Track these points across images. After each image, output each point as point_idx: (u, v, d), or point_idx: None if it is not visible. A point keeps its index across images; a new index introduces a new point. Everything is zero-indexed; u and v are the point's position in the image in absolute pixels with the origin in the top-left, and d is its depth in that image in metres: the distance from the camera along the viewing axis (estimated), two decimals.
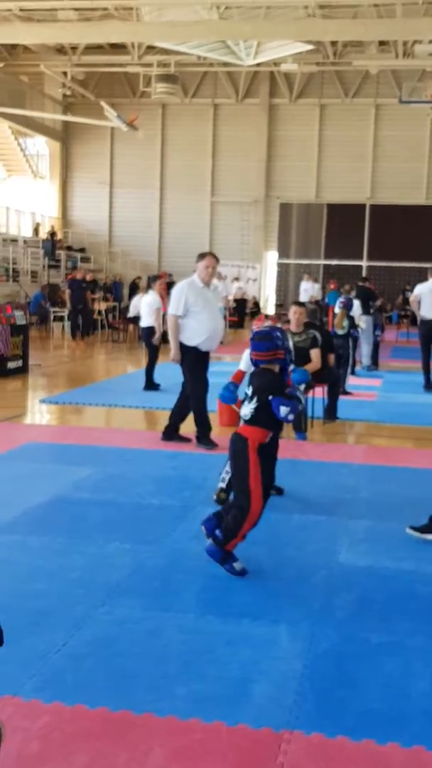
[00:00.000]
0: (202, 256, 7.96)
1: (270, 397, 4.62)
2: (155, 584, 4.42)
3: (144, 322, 11.64)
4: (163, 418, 9.92)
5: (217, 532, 4.60)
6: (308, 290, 24.72)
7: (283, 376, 4.96)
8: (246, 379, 5.27)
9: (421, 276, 13.56)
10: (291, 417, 4.62)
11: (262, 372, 4.81)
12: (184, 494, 6.20)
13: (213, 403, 9.37)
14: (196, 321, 7.77)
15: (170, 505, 5.94)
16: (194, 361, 7.83)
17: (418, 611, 4.21)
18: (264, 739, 2.99)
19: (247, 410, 4.73)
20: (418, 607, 4.28)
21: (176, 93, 28.37)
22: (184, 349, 7.80)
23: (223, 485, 5.86)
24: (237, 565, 4.61)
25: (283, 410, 4.57)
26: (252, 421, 4.70)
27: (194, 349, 7.80)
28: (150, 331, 11.45)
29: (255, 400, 4.68)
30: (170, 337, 7.85)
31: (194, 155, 32.04)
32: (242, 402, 4.89)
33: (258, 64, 27.68)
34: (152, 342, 11.39)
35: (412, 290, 29.61)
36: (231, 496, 5.12)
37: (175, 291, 7.91)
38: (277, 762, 2.86)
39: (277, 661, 3.59)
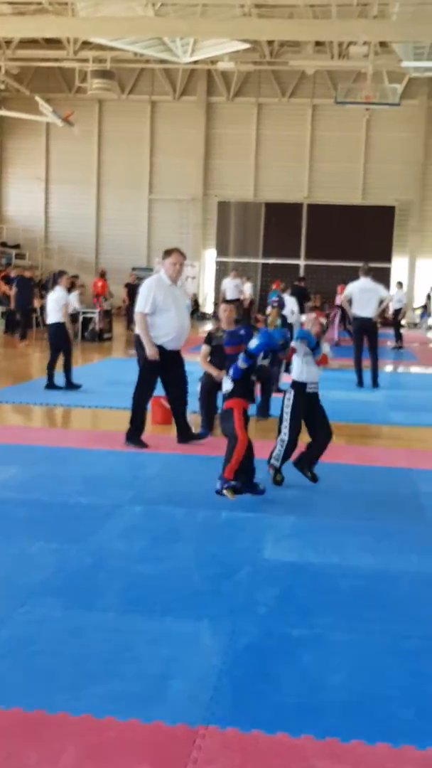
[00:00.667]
0: (168, 252, 7.94)
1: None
2: (78, 583, 4.40)
3: (50, 319, 11.38)
4: (95, 417, 9.90)
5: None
6: (238, 286, 24.72)
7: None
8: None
9: (356, 275, 13.69)
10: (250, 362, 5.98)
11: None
12: (112, 493, 6.17)
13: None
14: (164, 319, 7.73)
15: (98, 504, 5.91)
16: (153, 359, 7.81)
17: (340, 605, 4.27)
18: (179, 735, 3.01)
19: (226, 387, 6.07)
20: (340, 601, 4.34)
21: (113, 89, 28.17)
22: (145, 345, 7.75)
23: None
24: (232, 484, 5.86)
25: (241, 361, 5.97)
26: (231, 394, 6.04)
27: (159, 348, 7.76)
28: (58, 327, 11.21)
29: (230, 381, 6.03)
30: (142, 335, 7.76)
31: (132, 152, 31.89)
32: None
33: (195, 62, 27.67)
34: (59, 339, 11.16)
35: None
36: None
37: (143, 289, 7.87)
38: (191, 757, 2.88)
39: (197, 657, 3.61)
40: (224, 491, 5.85)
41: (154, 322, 7.72)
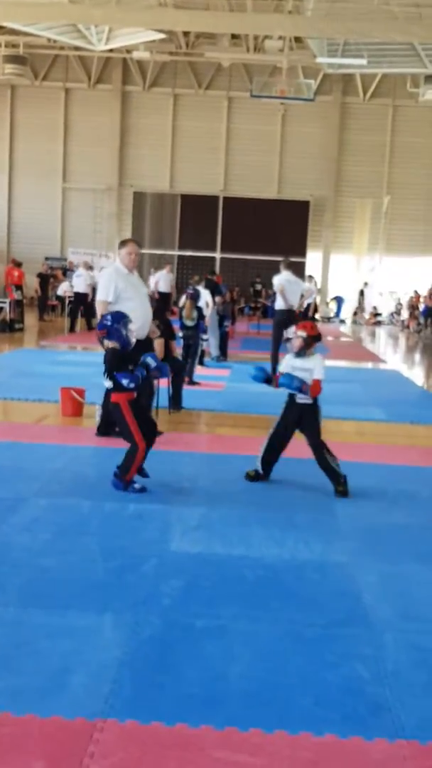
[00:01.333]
0: (123, 243, 7.85)
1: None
2: None
3: None
4: (8, 408, 9.73)
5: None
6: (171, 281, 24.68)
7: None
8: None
9: (271, 268, 13.83)
10: (132, 386, 6.06)
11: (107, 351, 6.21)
12: (17, 486, 6.08)
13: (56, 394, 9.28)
14: (127, 308, 7.57)
15: (2, 497, 5.81)
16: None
17: (244, 595, 4.31)
18: (77, 729, 2.98)
19: (107, 383, 6.14)
20: (244, 591, 4.37)
21: (25, 75, 27.73)
22: None
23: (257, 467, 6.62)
24: (137, 486, 6.07)
25: (125, 382, 6.03)
26: (114, 389, 6.08)
27: None
28: None
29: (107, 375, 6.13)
30: None
31: (45, 140, 31.41)
32: None
33: (110, 50, 27.45)
34: None
35: (261, 283, 30.16)
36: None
37: (103, 277, 7.85)
38: (87, 751, 2.86)
39: (98, 650, 3.58)
40: (135, 487, 6.11)
41: None
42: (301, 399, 6.45)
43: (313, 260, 31.16)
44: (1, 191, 31.90)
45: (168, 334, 9.17)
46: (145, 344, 7.81)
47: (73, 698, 3.18)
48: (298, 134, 31.01)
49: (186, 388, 10.12)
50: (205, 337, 13.54)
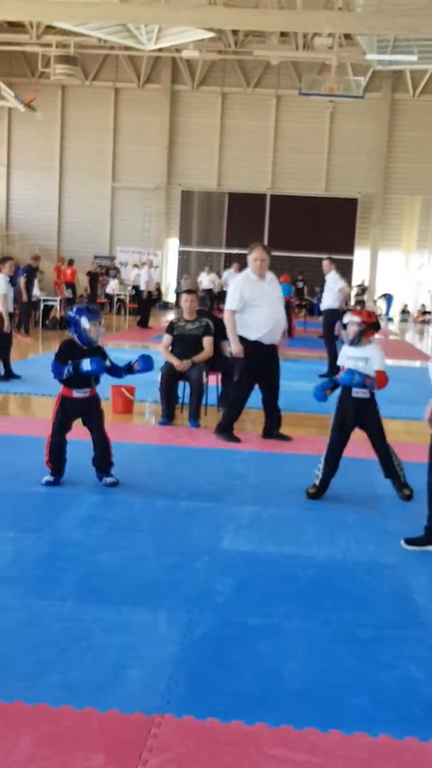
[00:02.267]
0: (251, 248, 7.94)
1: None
2: (35, 572, 4.40)
3: None
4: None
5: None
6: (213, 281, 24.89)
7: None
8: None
9: (318, 266, 13.75)
10: (56, 377, 6.05)
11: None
12: (72, 482, 6.16)
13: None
14: (256, 315, 7.76)
15: (57, 492, 5.90)
16: (251, 353, 7.84)
17: (296, 594, 4.32)
18: (135, 724, 3.03)
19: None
20: (296, 590, 4.38)
21: (76, 75, 27.93)
22: (243, 342, 7.77)
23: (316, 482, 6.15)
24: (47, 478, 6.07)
25: (53, 372, 6.05)
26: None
27: (255, 343, 7.80)
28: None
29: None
30: (229, 332, 7.83)
31: (95, 139, 31.66)
32: None
33: (159, 50, 27.54)
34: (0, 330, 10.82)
35: (302, 281, 29.99)
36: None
37: (230, 287, 7.97)
38: (146, 745, 2.90)
39: (154, 646, 3.63)
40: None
41: (246, 319, 7.79)
42: (358, 393, 6.03)
43: (360, 258, 30.97)
44: (52, 190, 32.23)
45: (219, 333, 9.18)
46: (272, 351, 7.98)
47: (131, 693, 3.23)
48: (347, 131, 30.82)
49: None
50: None
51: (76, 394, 6.09)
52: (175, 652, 3.58)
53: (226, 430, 8.00)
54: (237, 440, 7.91)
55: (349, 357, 6.13)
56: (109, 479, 6.11)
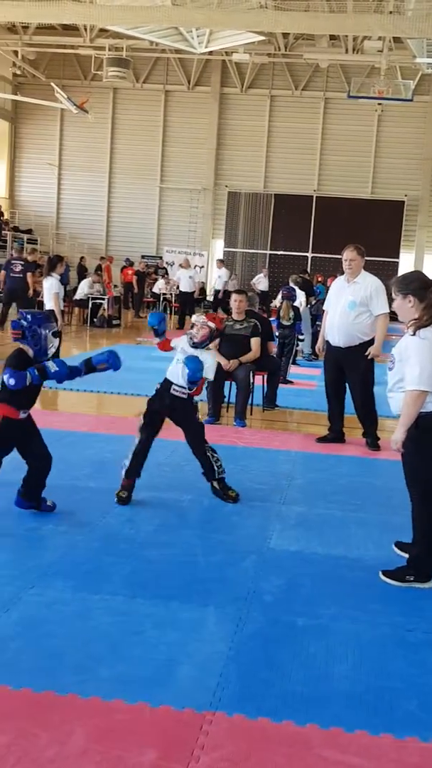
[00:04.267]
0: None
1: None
2: (86, 567, 4.43)
3: (46, 306, 10.96)
4: (105, 402, 9.93)
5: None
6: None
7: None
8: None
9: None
10: (11, 382, 4.83)
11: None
12: (118, 478, 6.17)
13: None
14: (328, 318, 7.90)
15: (107, 488, 5.92)
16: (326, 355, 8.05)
17: (344, 596, 4.30)
18: (186, 720, 3.04)
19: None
20: (344, 591, 4.36)
21: (127, 77, 28.14)
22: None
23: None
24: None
25: (10, 380, 4.83)
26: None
27: (327, 344, 7.94)
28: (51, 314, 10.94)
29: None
30: (381, 335, 7.75)
31: (144, 140, 31.86)
32: None
33: (210, 53, 27.63)
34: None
35: None
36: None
37: (383, 290, 7.72)
38: (198, 742, 2.91)
39: (204, 643, 3.64)
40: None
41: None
42: (176, 391, 5.75)
43: (406, 261, 30.72)
44: (101, 191, 32.50)
45: (266, 334, 9.20)
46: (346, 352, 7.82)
47: (182, 689, 3.24)
48: (395, 134, 30.60)
49: (280, 387, 10.13)
50: (301, 336, 13.56)
51: (23, 414, 5.13)
52: (224, 650, 3.58)
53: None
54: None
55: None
56: (48, 503, 5.36)
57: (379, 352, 7.73)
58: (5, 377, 4.86)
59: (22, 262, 17.57)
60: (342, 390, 8.07)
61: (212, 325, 6.01)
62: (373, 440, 7.98)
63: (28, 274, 17.22)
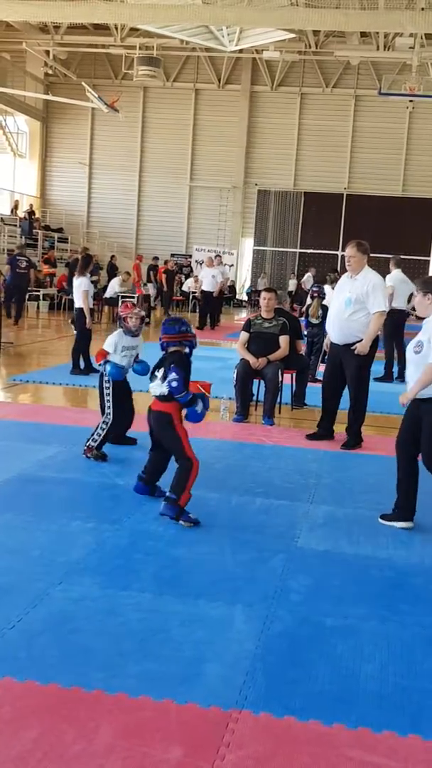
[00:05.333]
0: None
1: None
2: (115, 563, 4.45)
3: (76, 304, 11.26)
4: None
5: (166, 493, 5.25)
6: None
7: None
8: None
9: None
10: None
11: (173, 353, 5.35)
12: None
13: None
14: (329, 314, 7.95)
15: (134, 485, 5.94)
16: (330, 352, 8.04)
17: (372, 596, 4.27)
18: (212, 718, 3.03)
19: (163, 389, 5.27)
20: (372, 592, 4.34)
21: (158, 76, 28.23)
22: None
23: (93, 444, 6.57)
24: (191, 516, 5.16)
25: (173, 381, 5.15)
26: (169, 397, 5.26)
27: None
28: (80, 313, 11.07)
29: (165, 384, 5.25)
30: (372, 332, 7.61)
31: (174, 139, 31.94)
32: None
33: (240, 51, 27.63)
34: (83, 325, 11.03)
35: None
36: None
37: (382, 287, 7.68)
38: (223, 740, 2.90)
39: (231, 641, 3.63)
40: (189, 517, 5.18)
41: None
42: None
43: None
44: (132, 190, 32.64)
45: (295, 334, 9.18)
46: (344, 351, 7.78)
47: (208, 687, 3.23)
48: (426, 131, 30.41)
49: (309, 385, 10.08)
50: None
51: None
52: (251, 649, 3.58)
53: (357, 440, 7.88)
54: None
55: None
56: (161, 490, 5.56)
57: (366, 350, 7.48)
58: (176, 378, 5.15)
59: (26, 259, 18.32)
60: (340, 388, 7.92)
61: (142, 312, 6.90)
62: (351, 438, 7.78)
63: (32, 271, 17.92)
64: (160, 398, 5.33)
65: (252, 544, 4.90)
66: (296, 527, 5.29)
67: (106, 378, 6.70)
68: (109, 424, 6.63)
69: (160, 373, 5.33)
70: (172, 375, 5.15)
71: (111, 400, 6.69)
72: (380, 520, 5.51)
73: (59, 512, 5.23)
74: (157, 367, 5.40)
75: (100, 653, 3.43)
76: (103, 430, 6.62)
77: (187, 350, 5.38)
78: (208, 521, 5.28)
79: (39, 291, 22.51)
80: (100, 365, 6.82)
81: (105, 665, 3.33)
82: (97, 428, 6.67)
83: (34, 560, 4.40)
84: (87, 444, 6.64)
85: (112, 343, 6.75)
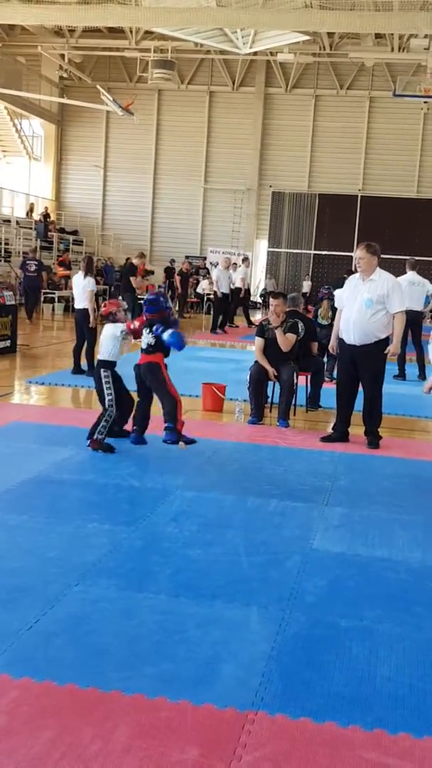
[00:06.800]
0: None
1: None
2: (131, 565, 4.47)
3: (78, 304, 11.35)
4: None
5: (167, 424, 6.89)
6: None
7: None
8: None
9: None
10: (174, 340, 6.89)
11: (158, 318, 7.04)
12: (164, 477, 6.25)
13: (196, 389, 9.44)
14: (343, 315, 7.91)
15: (150, 487, 5.99)
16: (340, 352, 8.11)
17: (387, 598, 4.27)
18: (229, 719, 3.05)
19: (149, 338, 6.97)
20: (388, 594, 4.34)
21: (172, 79, 28.29)
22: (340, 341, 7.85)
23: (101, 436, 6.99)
24: (187, 437, 6.93)
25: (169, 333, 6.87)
26: (155, 348, 6.96)
27: (341, 342, 7.94)
28: (86, 313, 11.16)
29: (152, 336, 6.96)
30: (399, 332, 7.73)
31: (188, 142, 32.00)
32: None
33: (254, 53, 27.64)
34: (89, 325, 11.13)
35: None
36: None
37: (400, 287, 7.78)
38: (240, 741, 2.91)
39: (246, 643, 3.64)
40: (181, 443, 6.87)
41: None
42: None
43: None
44: (146, 192, 32.71)
45: (309, 335, 9.18)
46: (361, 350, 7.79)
47: (224, 688, 3.25)
48: None
49: (325, 386, 10.07)
50: None
51: None
52: (267, 650, 3.59)
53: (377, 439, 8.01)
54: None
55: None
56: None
57: (398, 350, 7.84)
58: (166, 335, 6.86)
59: (35, 262, 19.13)
60: (355, 390, 7.97)
61: (124, 304, 7.74)
62: (373, 438, 7.91)
63: (43, 273, 18.68)
64: (148, 351, 6.98)
65: (267, 546, 4.91)
66: (311, 529, 5.30)
67: (104, 372, 7.07)
68: (112, 416, 7.00)
69: (146, 330, 7.00)
70: (159, 327, 6.90)
71: (112, 392, 7.04)
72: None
73: (76, 514, 5.27)
74: (145, 327, 7.05)
75: (116, 654, 3.45)
76: (107, 422, 6.98)
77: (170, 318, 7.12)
78: (223, 523, 5.30)
79: (54, 293, 22.63)
80: (100, 359, 7.23)
81: (121, 666, 3.35)
82: (101, 420, 6.98)
83: (50, 561, 4.43)
84: (94, 437, 6.95)
85: (110, 341, 7.22)
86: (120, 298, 16.60)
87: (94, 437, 6.94)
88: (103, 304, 8.05)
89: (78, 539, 4.80)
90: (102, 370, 7.09)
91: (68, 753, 2.78)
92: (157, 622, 3.78)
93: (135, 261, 16.58)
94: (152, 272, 27.12)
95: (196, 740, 2.91)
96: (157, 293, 7.46)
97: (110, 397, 7.01)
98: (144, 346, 7.04)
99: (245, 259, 23.49)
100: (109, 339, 7.16)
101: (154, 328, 6.97)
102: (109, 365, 7.12)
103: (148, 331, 7.03)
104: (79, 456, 6.76)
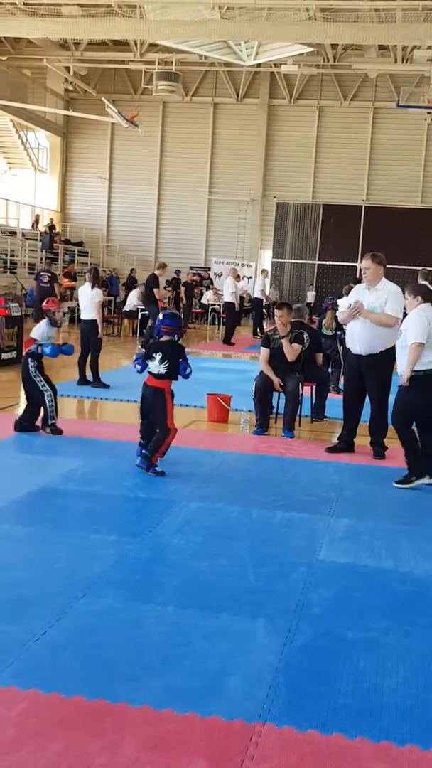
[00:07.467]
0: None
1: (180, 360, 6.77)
2: (137, 576, 4.47)
3: (85, 315, 11.41)
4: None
5: (143, 451, 6.73)
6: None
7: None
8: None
9: (412, 278, 13.54)
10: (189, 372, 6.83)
11: (169, 342, 6.85)
12: (170, 488, 6.25)
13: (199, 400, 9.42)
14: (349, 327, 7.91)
15: (156, 498, 5.99)
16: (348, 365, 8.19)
17: (394, 610, 4.27)
18: (236, 731, 3.04)
19: (160, 369, 6.70)
20: (394, 605, 4.33)
21: (177, 91, 28.44)
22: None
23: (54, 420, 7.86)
24: (158, 469, 6.62)
25: (188, 370, 6.82)
26: (165, 376, 6.73)
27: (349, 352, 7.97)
28: (93, 324, 11.25)
29: (166, 362, 6.70)
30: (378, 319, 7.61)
31: (193, 153, 32.12)
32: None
33: (258, 65, 27.77)
34: (95, 335, 11.21)
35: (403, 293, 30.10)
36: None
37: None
38: (247, 753, 2.91)
39: (253, 655, 3.64)
40: (156, 471, 6.66)
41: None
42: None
43: None
44: (151, 203, 32.83)
45: (314, 344, 9.19)
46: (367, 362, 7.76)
47: (232, 700, 3.24)
48: None
49: (331, 397, 10.08)
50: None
51: None
52: (274, 662, 3.58)
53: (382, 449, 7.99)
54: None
55: None
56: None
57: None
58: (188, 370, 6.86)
59: (49, 274, 19.61)
60: (362, 401, 7.97)
61: (65, 307, 7.73)
62: (379, 449, 7.91)
63: (55, 285, 19.19)
64: (157, 376, 6.74)
65: (273, 558, 4.91)
66: (317, 540, 5.30)
67: (32, 363, 7.86)
68: (52, 397, 7.86)
69: (158, 357, 6.72)
70: (188, 370, 6.83)
71: (41, 378, 7.89)
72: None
73: (82, 525, 5.27)
74: (155, 351, 6.77)
75: (123, 666, 3.45)
76: (52, 404, 7.85)
77: (176, 338, 6.92)
78: (229, 534, 5.31)
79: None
80: (30, 350, 7.92)
81: (128, 678, 3.35)
82: (46, 407, 7.86)
83: (57, 573, 4.43)
84: (49, 423, 7.87)
85: (41, 332, 7.98)
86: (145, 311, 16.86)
87: (50, 423, 7.84)
88: (45, 300, 8.43)
89: (84, 550, 4.80)
90: (30, 360, 7.89)
91: (76, 765, 2.78)
92: (164, 633, 3.78)
93: (157, 272, 16.67)
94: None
95: (204, 752, 2.90)
96: (176, 314, 7.45)
97: (42, 383, 7.86)
98: (154, 372, 6.77)
99: (264, 271, 23.77)
100: (42, 336, 7.94)
101: (185, 370, 6.82)
102: (37, 357, 7.92)
103: (161, 359, 6.72)
104: (86, 467, 6.77)
